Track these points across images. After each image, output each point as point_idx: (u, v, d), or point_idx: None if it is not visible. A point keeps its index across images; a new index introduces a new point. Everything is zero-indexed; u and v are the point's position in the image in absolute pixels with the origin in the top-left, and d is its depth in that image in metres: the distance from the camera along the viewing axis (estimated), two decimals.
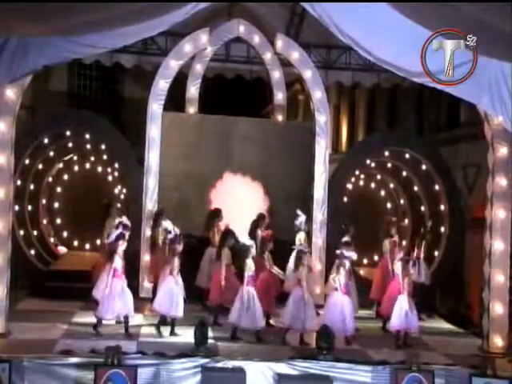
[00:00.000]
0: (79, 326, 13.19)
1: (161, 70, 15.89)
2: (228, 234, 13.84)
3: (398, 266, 13.28)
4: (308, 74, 16.63)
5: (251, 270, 12.61)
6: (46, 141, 17.44)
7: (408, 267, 12.95)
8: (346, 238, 14.33)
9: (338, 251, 12.99)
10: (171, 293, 12.52)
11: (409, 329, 12.64)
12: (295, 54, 16.63)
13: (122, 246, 12.60)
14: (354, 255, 13.05)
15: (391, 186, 19.58)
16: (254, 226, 14.59)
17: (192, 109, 17.37)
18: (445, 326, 15.03)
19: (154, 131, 15.65)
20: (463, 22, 9.47)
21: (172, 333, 12.61)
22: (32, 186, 18.04)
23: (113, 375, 10.25)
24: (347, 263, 12.78)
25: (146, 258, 15.47)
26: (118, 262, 12.48)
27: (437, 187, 17.84)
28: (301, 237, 14.94)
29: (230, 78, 20.35)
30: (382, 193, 19.79)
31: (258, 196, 16.42)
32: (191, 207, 16.45)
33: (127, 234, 12.90)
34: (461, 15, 9.25)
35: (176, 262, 12.63)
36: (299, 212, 15.26)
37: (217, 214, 15.23)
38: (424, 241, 15.50)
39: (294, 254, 13.73)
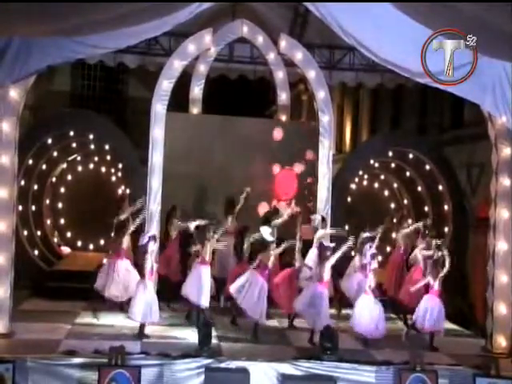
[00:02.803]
0: (83, 326, 13.21)
1: (164, 70, 15.85)
2: (244, 231, 13.91)
3: (418, 258, 13.52)
4: (312, 74, 16.62)
5: (268, 263, 12.70)
6: (49, 141, 17.48)
7: (438, 268, 12.90)
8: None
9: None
10: (200, 281, 12.61)
11: (437, 330, 12.69)
12: (299, 55, 16.62)
13: (152, 247, 12.62)
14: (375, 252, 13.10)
15: (395, 186, 19.59)
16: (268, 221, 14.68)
17: (196, 109, 17.35)
18: (448, 326, 14.93)
19: (157, 131, 15.60)
20: (464, 22, 9.47)
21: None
22: (36, 187, 18.09)
23: (116, 375, 10.27)
24: (373, 263, 12.83)
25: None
26: (149, 263, 12.52)
27: (440, 187, 17.86)
28: (319, 236, 14.97)
29: (234, 79, 20.35)
30: (386, 193, 19.80)
31: None
32: (194, 207, 16.44)
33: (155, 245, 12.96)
34: (462, 15, 9.25)
35: (208, 249, 12.82)
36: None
37: (232, 205, 15.39)
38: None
39: (312, 252, 13.97)
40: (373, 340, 12.54)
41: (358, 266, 14.06)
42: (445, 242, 15.42)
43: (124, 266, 13.59)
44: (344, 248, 12.76)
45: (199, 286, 12.69)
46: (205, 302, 12.67)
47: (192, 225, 13.65)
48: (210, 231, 12.95)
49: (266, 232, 13.12)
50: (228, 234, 14.96)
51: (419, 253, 14.12)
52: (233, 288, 12.62)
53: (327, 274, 12.60)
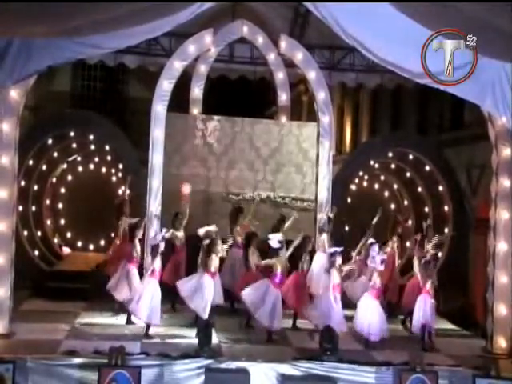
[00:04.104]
0: (83, 326, 13.21)
1: (165, 70, 15.88)
2: (251, 235, 13.89)
3: (415, 265, 13.38)
4: (312, 74, 16.64)
5: (277, 271, 12.67)
6: (49, 141, 17.51)
7: (430, 268, 12.90)
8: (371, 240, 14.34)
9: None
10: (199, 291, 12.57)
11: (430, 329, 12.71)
12: (299, 55, 16.64)
13: (161, 248, 12.69)
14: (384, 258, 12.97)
15: (395, 186, 19.58)
16: (277, 228, 14.61)
17: (196, 110, 17.37)
18: (448, 326, 15.00)
19: (157, 132, 15.62)
20: (464, 22, 9.46)
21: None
22: (36, 187, 18.11)
23: (117, 376, 10.26)
24: (381, 267, 12.74)
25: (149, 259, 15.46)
26: (158, 264, 12.57)
27: (440, 188, 17.87)
28: (324, 238, 14.93)
29: (234, 79, 20.36)
30: (386, 193, 19.79)
31: None
32: (196, 208, 16.43)
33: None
34: (462, 15, 9.25)
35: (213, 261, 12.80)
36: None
37: (241, 211, 15.32)
38: (426, 240, 15.43)
39: (318, 256, 13.97)
40: (373, 341, 12.52)
41: (359, 268, 13.97)
42: (443, 246, 15.47)
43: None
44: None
45: (199, 296, 12.57)
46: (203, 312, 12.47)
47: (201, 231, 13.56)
48: (218, 244, 12.84)
49: (274, 239, 13.09)
50: (235, 246, 14.96)
51: (417, 263, 14.08)
52: (247, 299, 12.63)
53: (336, 278, 12.55)
